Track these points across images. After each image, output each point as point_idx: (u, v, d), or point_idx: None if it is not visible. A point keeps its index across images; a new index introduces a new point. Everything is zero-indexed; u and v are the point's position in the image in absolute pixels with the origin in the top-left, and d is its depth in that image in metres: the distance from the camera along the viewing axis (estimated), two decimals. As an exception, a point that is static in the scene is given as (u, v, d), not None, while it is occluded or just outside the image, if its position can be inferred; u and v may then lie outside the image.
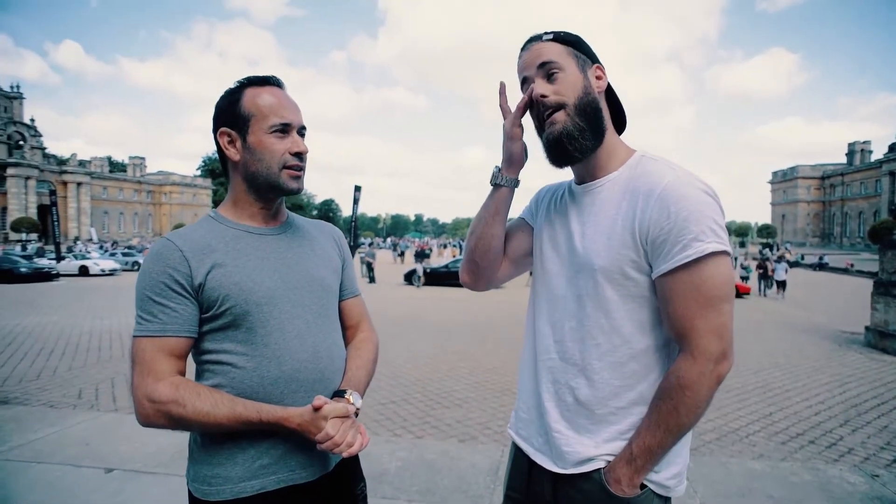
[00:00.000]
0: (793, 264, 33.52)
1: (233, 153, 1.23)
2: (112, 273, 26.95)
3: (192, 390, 1.11)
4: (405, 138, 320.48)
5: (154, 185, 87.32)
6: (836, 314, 13.20)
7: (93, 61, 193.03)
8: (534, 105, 1.18)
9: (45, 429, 4.06)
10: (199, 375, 1.21)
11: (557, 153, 1.17)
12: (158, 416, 1.10)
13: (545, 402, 1.21)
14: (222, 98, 1.25)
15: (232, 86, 1.25)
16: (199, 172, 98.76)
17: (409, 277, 21.52)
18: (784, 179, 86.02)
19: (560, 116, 1.14)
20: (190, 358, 1.21)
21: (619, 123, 1.26)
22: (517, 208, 1.42)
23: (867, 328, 9.33)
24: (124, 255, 33.46)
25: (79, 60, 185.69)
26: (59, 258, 28.01)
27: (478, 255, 1.31)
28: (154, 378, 1.11)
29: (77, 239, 54.48)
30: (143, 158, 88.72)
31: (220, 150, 1.25)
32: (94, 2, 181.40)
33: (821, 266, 36.02)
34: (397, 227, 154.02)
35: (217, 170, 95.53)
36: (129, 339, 8.04)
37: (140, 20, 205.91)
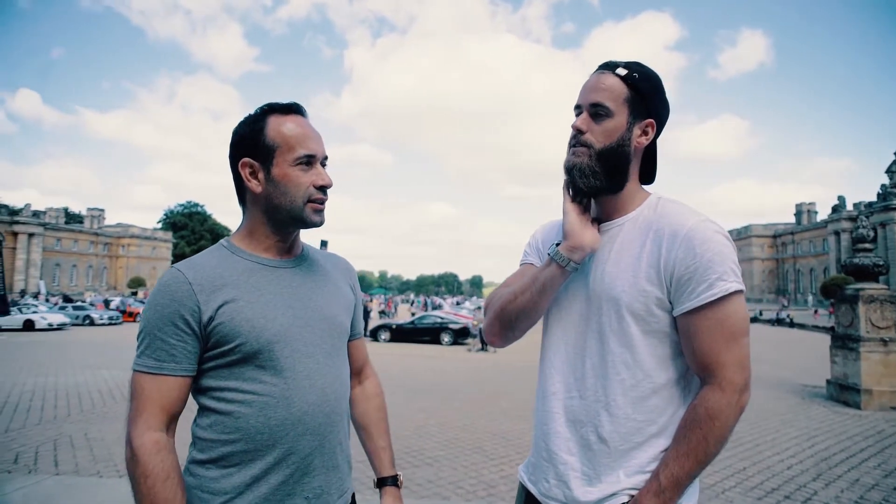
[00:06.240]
0: (753, 320, 34.60)
1: (254, 185, 1.17)
2: (61, 327, 25.53)
3: (166, 468, 1.03)
4: (370, 194, 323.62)
5: (112, 238, 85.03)
6: (798, 368, 13.46)
7: (51, 111, 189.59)
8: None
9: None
10: (199, 413, 1.13)
11: (569, 181, 1.20)
12: (129, 465, 1.04)
13: (565, 443, 1.18)
14: (243, 125, 1.19)
15: (253, 112, 1.19)
16: (159, 225, 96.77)
17: (375, 334, 21.57)
18: (738, 238, 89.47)
19: (581, 151, 1.17)
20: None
21: (649, 175, 1.28)
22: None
23: (828, 381, 9.49)
24: (76, 308, 31.83)
25: (37, 109, 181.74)
26: (3, 312, 26.44)
27: (519, 326, 1.26)
28: (145, 425, 1.05)
29: (24, 292, 51.74)
30: (101, 210, 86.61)
31: (238, 180, 1.19)
32: (56, 53, 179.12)
33: (778, 321, 37.18)
34: (362, 285, 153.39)
35: (179, 223, 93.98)
36: (78, 398, 7.50)
37: (103, 72, 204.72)
